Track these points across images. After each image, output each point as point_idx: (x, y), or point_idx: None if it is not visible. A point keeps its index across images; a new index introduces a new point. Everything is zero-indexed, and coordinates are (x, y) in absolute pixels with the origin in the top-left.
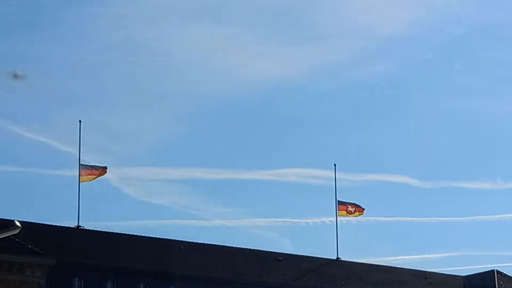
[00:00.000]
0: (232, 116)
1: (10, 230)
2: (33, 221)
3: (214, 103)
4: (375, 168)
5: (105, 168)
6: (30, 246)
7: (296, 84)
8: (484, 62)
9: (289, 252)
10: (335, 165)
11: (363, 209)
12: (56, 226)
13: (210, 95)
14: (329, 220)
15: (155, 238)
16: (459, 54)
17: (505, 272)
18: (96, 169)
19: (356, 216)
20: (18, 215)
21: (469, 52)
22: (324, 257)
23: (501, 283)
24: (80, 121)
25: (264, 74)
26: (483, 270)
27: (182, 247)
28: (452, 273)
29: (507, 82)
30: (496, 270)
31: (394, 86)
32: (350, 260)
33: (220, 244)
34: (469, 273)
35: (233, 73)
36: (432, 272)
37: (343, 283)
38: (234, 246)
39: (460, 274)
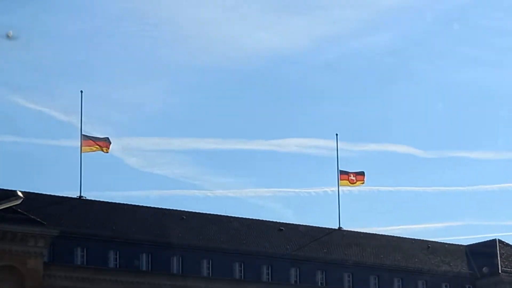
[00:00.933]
0: (233, 87)
1: (12, 201)
2: (36, 192)
3: (216, 73)
4: (377, 138)
5: (108, 141)
6: (32, 217)
7: (298, 54)
8: (485, 32)
9: (291, 222)
10: (337, 135)
11: (364, 175)
12: (58, 196)
13: (212, 66)
14: (331, 190)
15: (157, 208)
16: (460, 24)
17: (506, 241)
18: (99, 141)
19: (358, 186)
20: (20, 185)
21: (470, 22)
22: (326, 226)
23: (503, 252)
24: (81, 92)
25: (265, 44)
26: (485, 239)
27: (184, 217)
28: (454, 242)
29: (508, 51)
30: (498, 239)
31: (395, 56)
32: (352, 229)
33: (223, 214)
34: (471, 242)
35: (234, 44)
36: (434, 242)
37: (345, 252)
38: (236, 216)
39: (462, 244)
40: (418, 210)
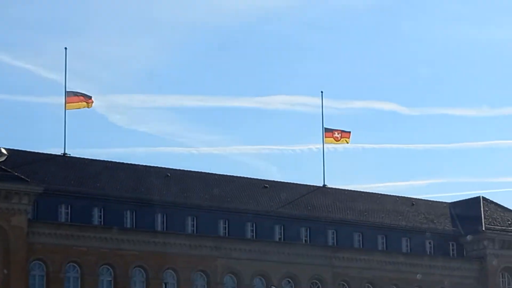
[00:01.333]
0: (219, 44)
1: None
2: (20, 149)
3: (202, 31)
4: (362, 95)
5: (90, 97)
6: (16, 174)
7: (283, 11)
8: None
9: (275, 179)
10: (322, 92)
11: (349, 132)
12: (42, 153)
13: (198, 23)
14: (316, 148)
15: (142, 165)
16: None
17: (490, 199)
18: (81, 96)
19: (343, 143)
20: (4, 142)
21: None
22: (311, 184)
23: (487, 209)
24: (66, 48)
25: (252, 1)
26: (469, 197)
27: (169, 175)
28: (438, 200)
29: (495, 9)
30: (482, 196)
31: (382, 13)
32: (337, 187)
33: (207, 171)
34: (455, 200)
35: (221, 1)
36: (418, 199)
37: (329, 210)
38: (221, 173)
39: (446, 201)
40: (402, 167)
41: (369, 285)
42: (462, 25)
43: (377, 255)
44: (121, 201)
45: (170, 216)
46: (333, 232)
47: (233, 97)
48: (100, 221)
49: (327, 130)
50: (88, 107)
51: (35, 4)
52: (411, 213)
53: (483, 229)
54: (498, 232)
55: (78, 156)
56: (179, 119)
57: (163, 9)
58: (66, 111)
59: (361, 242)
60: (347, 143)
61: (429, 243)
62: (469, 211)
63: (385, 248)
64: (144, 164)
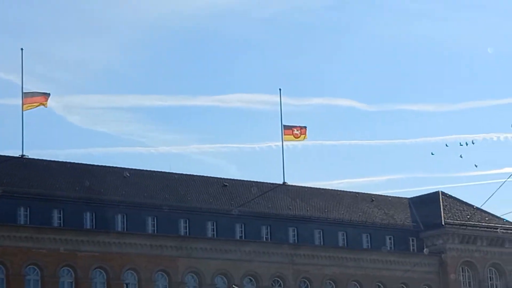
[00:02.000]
0: (176, 43)
1: None
2: None
3: (159, 30)
4: (320, 92)
5: (48, 94)
6: None
7: (240, 9)
8: None
9: (235, 178)
10: (280, 89)
11: (306, 128)
12: (0, 155)
13: (155, 22)
14: (275, 145)
15: (101, 166)
16: None
17: (449, 193)
18: (38, 96)
19: (302, 140)
20: None
21: None
22: (271, 181)
23: (446, 204)
24: (22, 49)
25: (206, 0)
26: (428, 192)
27: (128, 175)
28: (397, 195)
29: (451, 5)
30: (441, 191)
31: (339, 9)
32: (297, 184)
33: (167, 171)
34: (414, 195)
35: (176, 1)
36: (378, 195)
37: (290, 207)
38: (181, 172)
39: (406, 196)
40: (361, 163)
41: (331, 281)
42: (419, 21)
43: (338, 251)
44: (80, 202)
45: (130, 216)
46: (294, 230)
47: (191, 96)
48: (60, 223)
49: (286, 127)
50: (45, 106)
51: None
52: (371, 209)
53: (443, 224)
54: (458, 226)
55: (36, 157)
56: (137, 119)
57: (119, 9)
58: (24, 112)
59: (321, 239)
60: (306, 138)
61: (389, 238)
62: (429, 206)
63: (345, 245)
64: (103, 164)
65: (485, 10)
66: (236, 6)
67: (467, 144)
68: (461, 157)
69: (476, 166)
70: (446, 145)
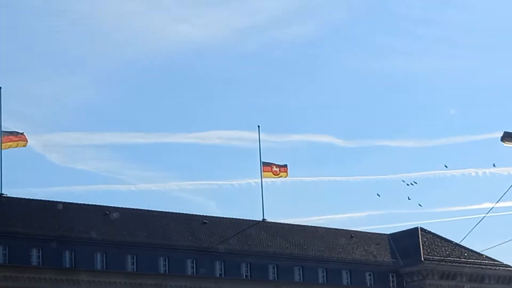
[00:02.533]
0: (155, 80)
1: None
2: None
3: (137, 66)
4: (298, 129)
5: (22, 134)
6: None
7: (218, 46)
8: (402, 21)
9: (215, 215)
10: (258, 126)
11: (286, 167)
12: None
13: (132, 59)
14: (255, 182)
15: (80, 204)
16: (376, 14)
17: (428, 229)
18: (15, 135)
19: (281, 177)
20: None
21: (387, 11)
22: (250, 218)
23: (425, 239)
24: (0, 87)
25: (185, 37)
26: (407, 228)
27: (108, 212)
28: (377, 231)
29: (424, 40)
30: (420, 227)
31: (314, 46)
32: (276, 221)
33: (146, 208)
34: (394, 231)
35: (155, 37)
36: (357, 231)
37: (269, 244)
38: (160, 210)
39: (385, 232)
40: (341, 199)
41: None
42: (395, 57)
43: None
44: (60, 241)
45: (109, 255)
46: (274, 267)
47: (170, 133)
48: (39, 262)
49: (265, 164)
50: (23, 146)
51: None
52: (350, 245)
53: (422, 259)
54: (437, 262)
55: (15, 196)
56: (117, 156)
57: (98, 45)
58: (2, 150)
59: (301, 275)
60: (285, 177)
61: (369, 275)
62: (408, 242)
63: (325, 281)
64: (83, 202)
65: (461, 44)
66: (214, 43)
67: (413, 184)
68: (409, 198)
69: (446, 166)
70: (403, 181)
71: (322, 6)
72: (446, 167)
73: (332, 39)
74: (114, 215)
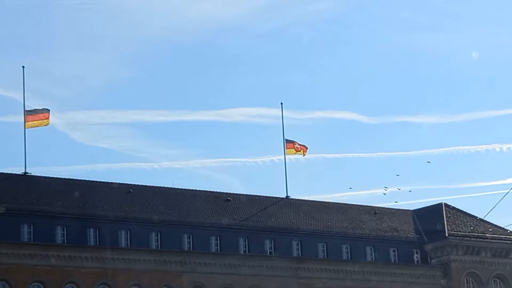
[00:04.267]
0: (177, 58)
1: None
2: None
3: (159, 45)
4: (321, 106)
5: (48, 110)
6: None
7: (239, 23)
8: None
9: (238, 192)
10: (281, 103)
11: (306, 147)
12: (2, 173)
13: (155, 37)
14: (278, 159)
15: (104, 182)
16: None
17: (452, 205)
18: (39, 113)
19: (303, 155)
20: None
21: None
22: (273, 195)
23: (449, 215)
24: (23, 67)
25: (207, 15)
26: (431, 204)
27: (131, 190)
28: (400, 208)
29: (448, 16)
30: (444, 203)
31: (336, 22)
32: (300, 198)
33: (170, 186)
34: (418, 207)
35: (176, 15)
36: (381, 207)
37: (293, 221)
38: (184, 188)
39: (409, 208)
40: (364, 176)
41: None
42: (418, 32)
43: (342, 264)
44: (84, 219)
45: (133, 232)
46: (298, 243)
47: (193, 110)
48: (63, 240)
49: (288, 141)
50: (46, 125)
51: None
52: (374, 221)
53: (446, 235)
54: (461, 238)
55: (39, 174)
56: (140, 135)
57: (120, 24)
58: (26, 129)
59: (325, 252)
60: (304, 155)
61: (393, 251)
62: (432, 218)
63: (349, 258)
64: (106, 180)
65: (486, 20)
66: (236, 21)
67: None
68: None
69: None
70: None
71: None
72: (429, 162)
73: (354, 15)
74: (135, 192)
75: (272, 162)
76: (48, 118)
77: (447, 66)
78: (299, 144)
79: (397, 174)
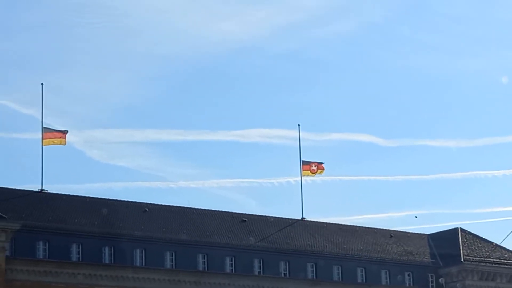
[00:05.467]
0: (195, 77)
1: None
2: None
3: (176, 64)
4: (338, 127)
5: (66, 132)
6: None
7: (258, 44)
8: (442, 19)
9: (254, 213)
10: (299, 125)
11: (323, 164)
12: (19, 190)
13: (172, 56)
14: (294, 180)
15: (120, 200)
16: (418, 12)
17: (469, 230)
18: (57, 132)
19: (319, 175)
20: None
21: (430, 9)
22: (289, 217)
23: (465, 240)
24: (42, 84)
25: (225, 35)
26: (447, 228)
27: (147, 209)
28: (416, 231)
29: (465, 39)
30: (460, 228)
31: (354, 44)
32: (315, 220)
33: (186, 206)
34: (434, 231)
35: (194, 34)
36: (396, 231)
37: (309, 243)
38: (200, 207)
39: (425, 232)
40: (380, 199)
41: None
42: (437, 55)
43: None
44: (100, 237)
45: (149, 251)
46: (313, 265)
47: (210, 130)
48: (79, 257)
49: (304, 162)
50: (63, 144)
51: (10, 41)
52: (389, 245)
53: (462, 260)
54: (477, 263)
55: (55, 192)
56: (157, 153)
57: (139, 42)
58: (43, 147)
59: (340, 275)
60: (322, 173)
61: (408, 275)
62: (448, 243)
63: (364, 281)
64: (122, 199)
65: (504, 44)
66: (254, 41)
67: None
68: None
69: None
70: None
71: (362, 3)
72: (416, 217)
73: (372, 37)
74: (151, 211)
75: (288, 184)
76: (65, 138)
77: (466, 90)
78: (316, 164)
79: (416, 216)
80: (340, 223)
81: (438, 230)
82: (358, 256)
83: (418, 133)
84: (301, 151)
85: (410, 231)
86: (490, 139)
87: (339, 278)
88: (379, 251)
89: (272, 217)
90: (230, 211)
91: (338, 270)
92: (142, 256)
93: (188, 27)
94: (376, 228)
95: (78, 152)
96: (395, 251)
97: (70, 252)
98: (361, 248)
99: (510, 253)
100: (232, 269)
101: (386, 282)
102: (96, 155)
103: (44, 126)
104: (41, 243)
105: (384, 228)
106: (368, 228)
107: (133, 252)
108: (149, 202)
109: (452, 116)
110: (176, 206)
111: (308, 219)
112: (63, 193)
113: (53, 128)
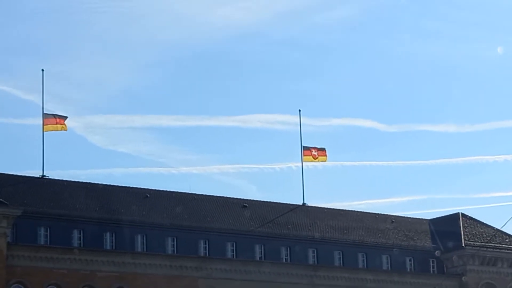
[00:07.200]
0: (196, 63)
1: None
2: None
3: (178, 49)
4: (339, 113)
5: (65, 117)
6: None
7: (259, 30)
8: (446, 5)
9: (255, 199)
10: (299, 110)
11: (325, 150)
12: (20, 176)
13: (173, 43)
14: (295, 166)
15: (121, 186)
16: None
17: (469, 215)
18: (57, 118)
19: (320, 161)
20: None
21: None
22: (290, 202)
23: (466, 225)
24: (43, 70)
25: (226, 20)
26: (448, 213)
27: (149, 195)
28: (417, 217)
29: (468, 25)
30: (461, 213)
31: (356, 30)
32: (316, 205)
33: (187, 191)
34: (435, 216)
35: (195, 20)
36: (398, 216)
37: (309, 228)
38: (201, 193)
39: (426, 218)
40: (381, 184)
41: None
42: (438, 41)
43: (357, 273)
44: (101, 223)
45: (150, 237)
46: (314, 251)
47: (211, 116)
48: (80, 243)
49: (305, 148)
50: (64, 130)
51: (11, 27)
52: (391, 230)
53: (463, 245)
54: (478, 248)
55: (56, 178)
56: (158, 139)
57: (139, 29)
58: (44, 132)
59: (341, 260)
60: (324, 160)
61: (410, 260)
62: (449, 228)
63: (365, 266)
64: (124, 184)
65: (507, 30)
66: (253, 28)
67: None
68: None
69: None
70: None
71: None
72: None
73: (374, 22)
74: (152, 197)
75: (289, 169)
76: (64, 124)
77: (466, 75)
78: (317, 149)
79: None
80: (341, 208)
81: (439, 215)
82: (359, 241)
83: (419, 118)
84: (302, 137)
85: (411, 216)
86: (491, 124)
87: (340, 263)
88: (380, 236)
89: (273, 202)
90: (231, 196)
91: (339, 255)
92: (143, 242)
93: (190, 13)
94: (377, 213)
95: (79, 138)
96: (396, 236)
97: (71, 238)
98: (362, 233)
99: (511, 238)
100: (233, 255)
101: (388, 267)
102: (97, 141)
103: (45, 112)
104: (42, 229)
105: (385, 213)
106: (369, 213)
107: (134, 238)
108: (150, 188)
109: (453, 101)
110: (177, 192)
111: (309, 204)
112: (64, 179)
113: (53, 113)
